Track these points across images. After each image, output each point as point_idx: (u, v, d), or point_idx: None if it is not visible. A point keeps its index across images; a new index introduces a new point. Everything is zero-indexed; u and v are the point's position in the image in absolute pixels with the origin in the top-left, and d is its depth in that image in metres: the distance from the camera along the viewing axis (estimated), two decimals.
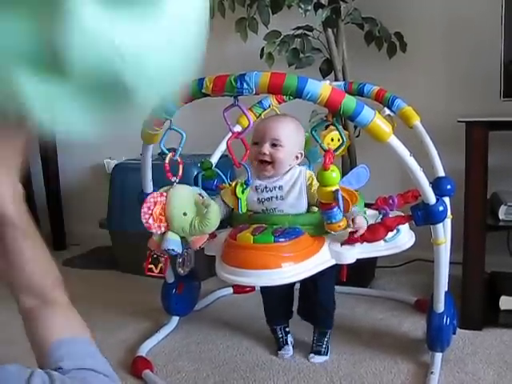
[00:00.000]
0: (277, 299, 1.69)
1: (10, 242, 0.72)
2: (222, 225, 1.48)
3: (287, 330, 1.71)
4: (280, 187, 1.44)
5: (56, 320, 0.77)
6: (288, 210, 1.44)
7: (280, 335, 1.70)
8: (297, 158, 1.48)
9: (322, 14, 2.03)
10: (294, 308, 1.73)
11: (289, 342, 1.69)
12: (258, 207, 1.46)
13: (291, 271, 1.31)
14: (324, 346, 1.67)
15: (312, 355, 1.66)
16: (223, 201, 1.49)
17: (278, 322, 1.71)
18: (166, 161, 1.43)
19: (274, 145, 1.43)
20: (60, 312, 0.78)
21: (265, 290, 1.69)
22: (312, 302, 1.66)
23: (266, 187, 1.45)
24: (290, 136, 1.45)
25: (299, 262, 1.32)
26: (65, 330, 0.76)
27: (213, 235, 1.50)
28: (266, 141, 1.43)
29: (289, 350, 1.67)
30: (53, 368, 0.70)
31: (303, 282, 1.56)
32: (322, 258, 1.36)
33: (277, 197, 1.44)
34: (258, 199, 1.46)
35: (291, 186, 1.44)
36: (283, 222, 1.39)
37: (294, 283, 1.54)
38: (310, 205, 1.44)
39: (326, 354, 1.66)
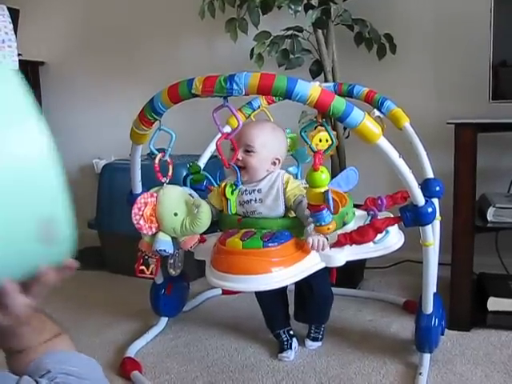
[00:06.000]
0: (273, 303, 1.69)
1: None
2: (212, 229, 1.47)
3: (291, 333, 1.70)
4: (259, 190, 1.45)
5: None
6: (266, 212, 1.44)
7: (285, 338, 1.68)
8: (274, 163, 1.48)
9: (312, 14, 2.03)
10: (290, 310, 1.73)
11: (292, 348, 1.67)
12: (240, 209, 1.47)
13: (281, 276, 1.31)
14: (321, 333, 1.73)
15: (310, 342, 1.70)
16: (210, 203, 1.48)
17: (279, 326, 1.71)
18: (156, 161, 1.42)
19: (247, 151, 1.44)
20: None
21: (259, 295, 1.69)
22: (309, 304, 1.67)
23: (246, 190, 1.47)
24: (264, 142, 1.45)
25: (289, 267, 1.32)
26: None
27: (202, 239, 1.50)
28: (240, 146, 1.44)
29: (290, 355, 1.65)
30: (41, 369, 0.70)
31: (298, 284, 1.56)
32: (312, 262, 1.36)
33: (255, 199, 1.45)
34: (240, 202, 1.47)
35: (269, 189, 1.45)
36: (272, 226, 1.39)
37: (286, 286, 1.54)
38: (287, 208, 1.44)
39: (321, 340, 1.72)
